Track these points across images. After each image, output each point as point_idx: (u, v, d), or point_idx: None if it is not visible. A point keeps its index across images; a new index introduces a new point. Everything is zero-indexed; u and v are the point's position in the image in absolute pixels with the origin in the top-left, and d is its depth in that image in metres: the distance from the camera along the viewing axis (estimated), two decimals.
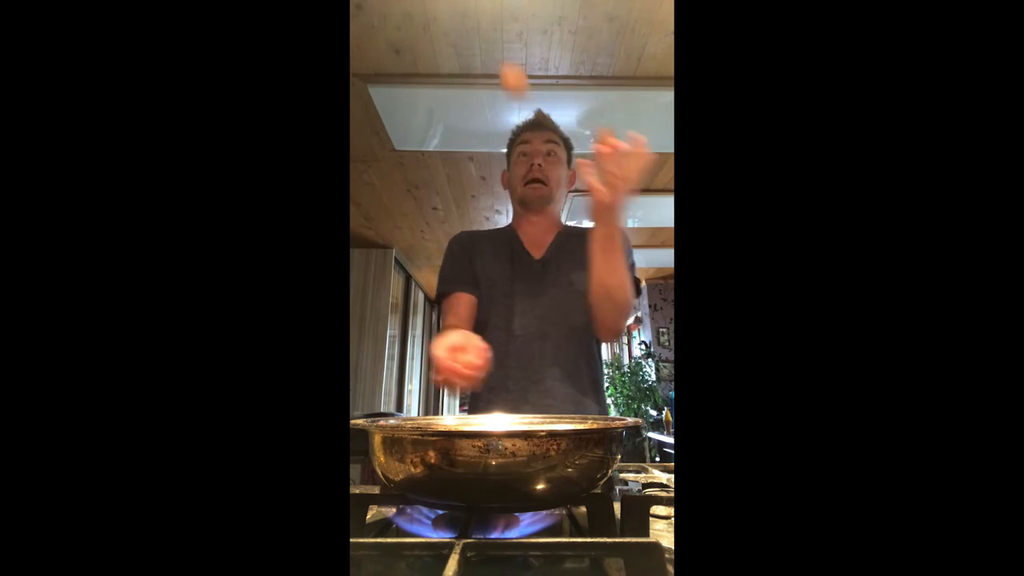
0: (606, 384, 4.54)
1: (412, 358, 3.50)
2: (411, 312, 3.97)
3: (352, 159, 2.33)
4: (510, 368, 0.91)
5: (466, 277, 0.97)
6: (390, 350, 3.36)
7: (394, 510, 0.44)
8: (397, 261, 3.56)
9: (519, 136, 1.01)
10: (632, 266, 0.93)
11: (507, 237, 1.03)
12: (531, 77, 1.77)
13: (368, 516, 0.46)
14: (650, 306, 4.53)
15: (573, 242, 0.99)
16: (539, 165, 0.96)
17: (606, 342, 0.98)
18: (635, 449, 3.88)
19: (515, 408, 0.86)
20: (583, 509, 0.44)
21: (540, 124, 1.00)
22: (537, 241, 1.01)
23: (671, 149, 2.17)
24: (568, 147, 1.02)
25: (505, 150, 1.08)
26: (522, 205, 1.00)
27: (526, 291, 0.96)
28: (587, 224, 1.05)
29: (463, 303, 0.94)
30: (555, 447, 0.34)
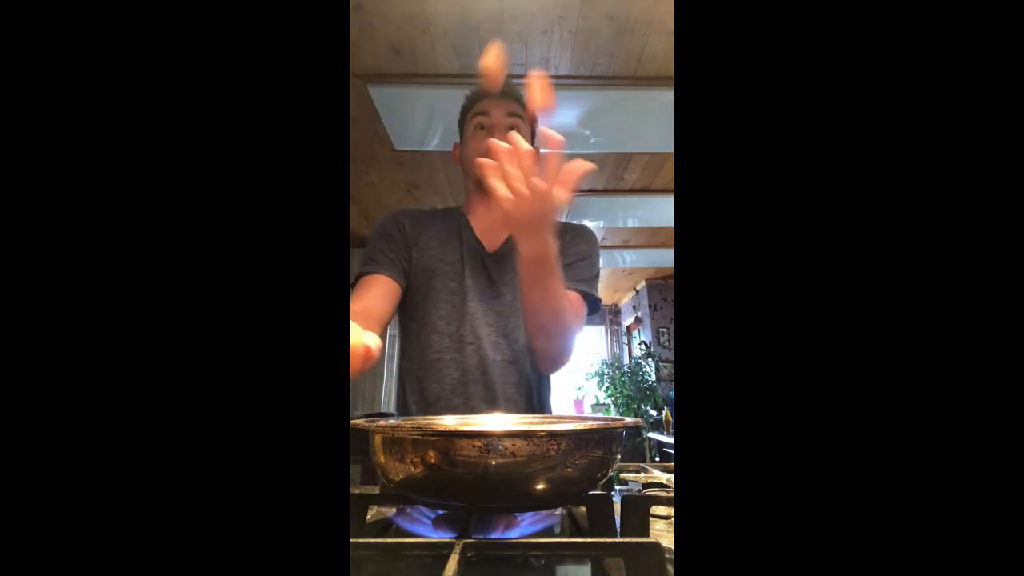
0: (606, 384, 4.54)
1: None
2: None
3: (352, 159, 2.33)
4: (461, 383, 0.75)
5: (395, 263, 0.78)
6: (390, 350, 3.36)
7: (394, 510, 0.44)
8: None
9: (475, 104, 0.83)
10: (594, 278, 0.79)
11: (455, 221, 0.85)
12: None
13: (368, 516, 0.46)
14: (650, 306, 4.54)
15: None
16: None
17: (547, 373, 0.81)
18: (635, 449, 3.88)
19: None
20: (583, 509, 0.44)
21: (503, 92, 0.81)
22: (492, 231, 0.83)
23: (671, 149, 2.17)
24: (533, 120, 0.85)
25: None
26: (478, 187, 0.81)
27: (476, 289, 0.79)
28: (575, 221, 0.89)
29: (381, 290, 0.75)
30: (555, 447, 0.34)
